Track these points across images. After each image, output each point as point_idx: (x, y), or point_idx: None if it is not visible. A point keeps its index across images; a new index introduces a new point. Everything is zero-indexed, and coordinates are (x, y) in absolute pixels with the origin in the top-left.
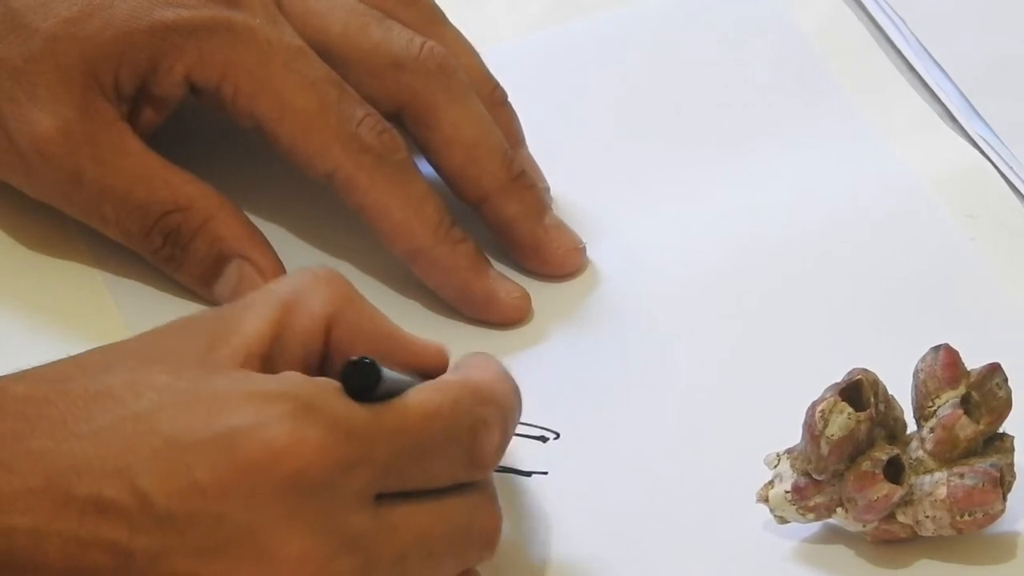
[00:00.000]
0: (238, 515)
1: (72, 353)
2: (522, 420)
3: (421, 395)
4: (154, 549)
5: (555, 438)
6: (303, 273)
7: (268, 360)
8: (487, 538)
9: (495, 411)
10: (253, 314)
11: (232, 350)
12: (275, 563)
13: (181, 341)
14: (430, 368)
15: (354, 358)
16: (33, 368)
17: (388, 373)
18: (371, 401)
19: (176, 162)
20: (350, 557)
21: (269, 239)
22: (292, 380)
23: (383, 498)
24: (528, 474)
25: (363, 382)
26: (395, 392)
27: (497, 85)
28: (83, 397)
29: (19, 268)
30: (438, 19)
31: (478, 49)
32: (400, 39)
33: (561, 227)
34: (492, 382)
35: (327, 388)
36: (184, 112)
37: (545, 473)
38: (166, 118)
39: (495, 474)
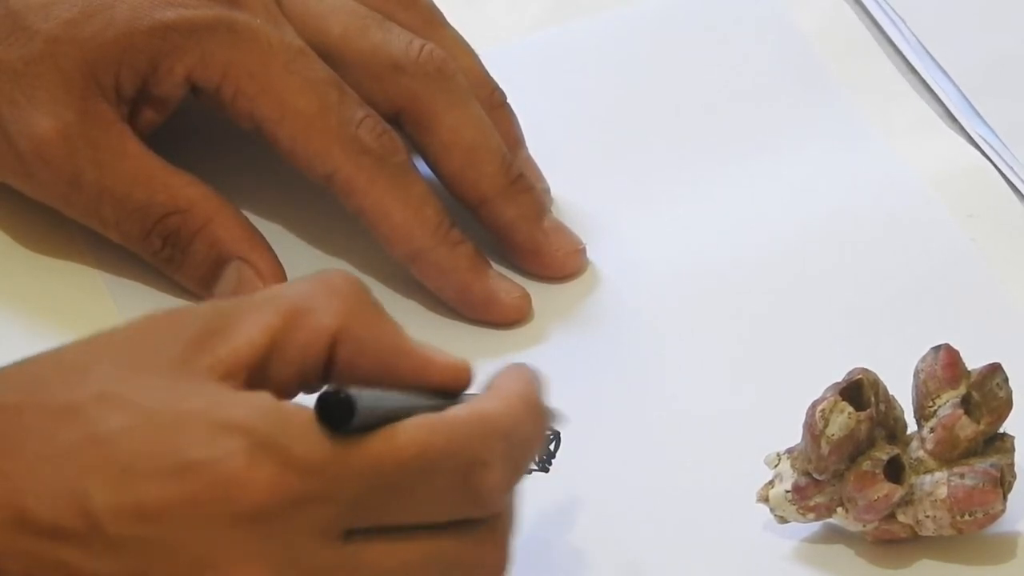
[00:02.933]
0: (190, 544)
1: None
2: None
3: (409, 431)
4: (105, 574)
5: (555, 439)
6: (317, 279)
7: (258, 370)
8: None
9: (501, 447)
10: (251, 319)
11: (217, 359)
12: None
13: (172, 332)
14: (449, 387)
15: (330, 389)
16: (10, 367)
17: (383, 398)
18: (353, 432)
19: (176, 163)
20: None
21: (269, 240)
22: (259, 409)
23: (356, 534)
24: (528, 472)
25: (337, 416)
26: (387, 419)
27: (496, 87)
28: (52, 410)
29: (19, 268)
30: (437, 21)
31: (478, 50)
32: (399, 42)
33: (560, 229)
34: (506, 413)
35: (292, 421)
36: (184, 113)
37: (546, 471)
38: (166, 118)
39: None
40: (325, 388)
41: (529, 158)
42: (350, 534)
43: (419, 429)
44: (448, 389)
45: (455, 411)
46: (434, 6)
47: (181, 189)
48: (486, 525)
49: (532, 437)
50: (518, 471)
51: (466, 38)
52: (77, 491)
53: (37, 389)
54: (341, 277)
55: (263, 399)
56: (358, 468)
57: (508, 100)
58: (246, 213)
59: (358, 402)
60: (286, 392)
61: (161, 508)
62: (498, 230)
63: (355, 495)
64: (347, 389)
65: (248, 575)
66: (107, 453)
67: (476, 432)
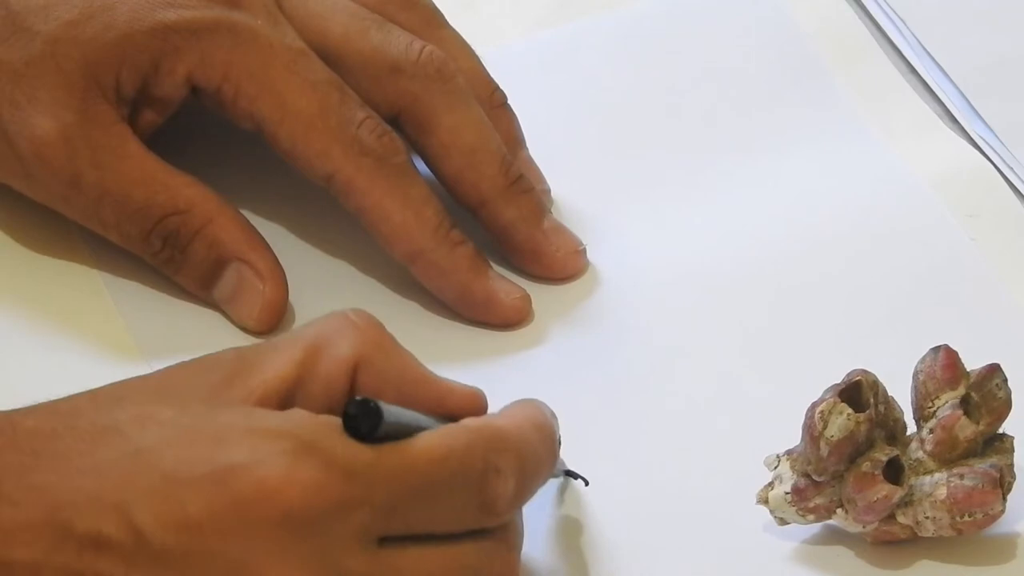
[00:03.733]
0: (231, 551)
1: (69, 353)
2: None
3: (431, 438)
4: None
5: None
6: (336, 316)
7: (286, 402)
8: None
9: (512, 459)
10: (278, 355)
11: (248, 389)
12: None
13: (199, 376)
14: (463, 414)
15: (357, 398)
16: (47, 401)
17: (401, 414)
18: (375, 441)
19: (176, 164)
20: None
21: (269, 240)
22: (296, 418)
23: (387, 540)
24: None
25: (364, 423)
26: (407, 433)
27: (497, 88)
28: (89, 432)
29: (19, 268)
30: (437, 21)
31: (478, 51)
32: (399, 43)
33: (560, 230)
34: (516, 430)
35: (330, 427)
36: (184, 113)
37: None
38: (166, 119)
39: None
40: (352, 398)
41: (529, 159)
42: (381, 541)
43: (442, 436)
44: (464, 416)
45: (470, 422)
46: (434, 7)
47: (181, 190)
48: (496, 535)
49: (541, 456)
50: (528, 486)
51: (466, 39)
52: (119, 503)
53: (72, 416)
54: (356, 312)
55: (298, 411)
56: (392, 472)
57: (508, 101)
58: (246, 213)
59: (384, 411)
60: None
61: (204, 516)
62: (498, 231)
63: (388, 500)
64: (374, 399)
65: None
66: (147, 465)
67: (489, 442)
